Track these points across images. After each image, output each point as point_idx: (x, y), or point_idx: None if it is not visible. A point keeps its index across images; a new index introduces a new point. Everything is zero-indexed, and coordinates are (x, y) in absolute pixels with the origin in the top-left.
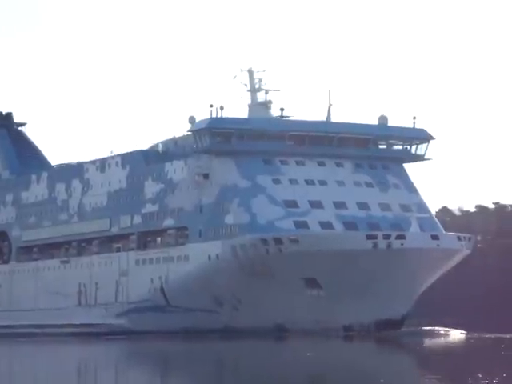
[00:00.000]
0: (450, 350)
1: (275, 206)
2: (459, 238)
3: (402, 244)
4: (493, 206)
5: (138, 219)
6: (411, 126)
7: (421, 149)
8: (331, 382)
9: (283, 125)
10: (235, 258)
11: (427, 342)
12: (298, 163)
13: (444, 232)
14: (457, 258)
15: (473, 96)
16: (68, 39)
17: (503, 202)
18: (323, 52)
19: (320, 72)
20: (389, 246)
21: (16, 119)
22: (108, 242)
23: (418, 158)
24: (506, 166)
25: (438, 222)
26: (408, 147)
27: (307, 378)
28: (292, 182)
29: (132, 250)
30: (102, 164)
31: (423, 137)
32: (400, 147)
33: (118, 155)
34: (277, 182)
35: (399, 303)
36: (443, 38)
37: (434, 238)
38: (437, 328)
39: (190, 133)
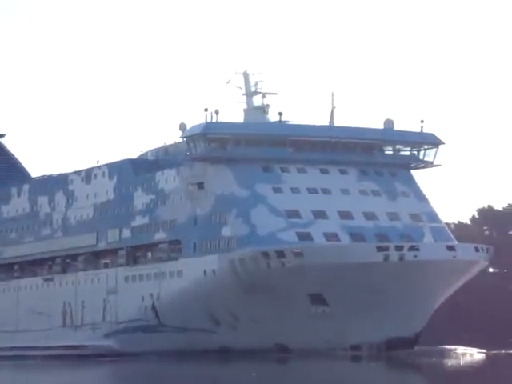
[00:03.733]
0: (477, 372)
1: (276, 217)
2: (477, 249)
3: (415, 256)
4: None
5: (127, 233)
6: (419, 131)
7: (429, 154)
8: None
9: (283, 129)
10: (233, 273)
11: (446, 362)
12: (299, 170)
13: (458, 243)
14: (474, 271)
15: (484, 98)
16: (50, 42)
17: None
18: (324, 52)
19: (321, 74)
20: (401, 258)
21: None
22: (95, 258)
23: (427, 164)
24: None
25: (450, 232)
26: (416, 153)
27: None
28: (294, 190)
29: (121, 265)
30: (88, 175)
31: (432, 141)
32: (407, 153)
33: (105, 165)
34: (277, 190)
35: (412, 320)
36: (451, 39)
37: (450, 249)
38: (453, 347)
39: (181, 140)
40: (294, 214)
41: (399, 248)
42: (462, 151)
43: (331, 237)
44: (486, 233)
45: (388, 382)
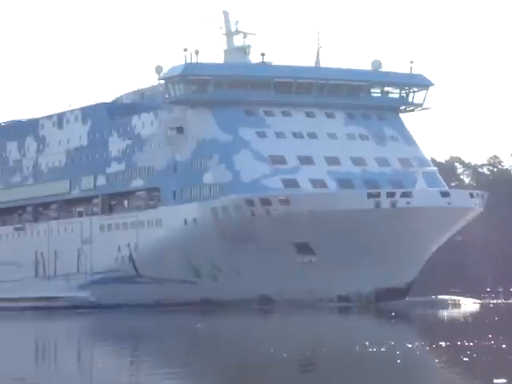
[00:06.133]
0: (471, 322)
1: (261, 163)
2: (471, 195)
3: (408, 202)
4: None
5: (101, 180)
6: (408, 72)
7: (419, 96)
8: (319, 363)
9: (267, 71)
10: (215, 221)
11: (439, 313)
12: (284, 114)
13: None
14: (469, 218)
15: (474, 39)
16: None
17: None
18: None
19: (305, 12)
20: (393, 204)
21: None
22: (68, 207)
23: (416, 106)
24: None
25: (441, 178)
26: (405, 95)
27: (289, 355)
28: (278, 135)
29: (96, 214)
30: (60, 119)
31: (421, 83)
32: (396, 95)
33: (78, 109)
34: (261, 135)
35: (404, 270)
36: None
37: (444, 195)
38: (445, 297)
39: (159, 82)
40: (278, 159)
41: (391, 194)
42: (454, 94)
43: (318, 183)
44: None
45: (379, 335)
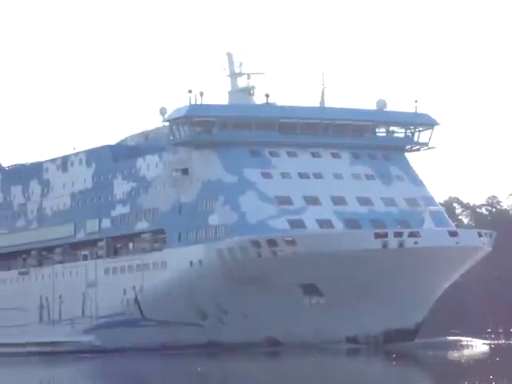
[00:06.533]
0: (487, 364)
1: (266, 204)
2: (480, 234)
3: (416, 242)
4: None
5: (106, 223)
6: (413, 111)
7: (424, 136)
8: None
9: (272, 111)
10: (221, 263)
11: (451, 355)
12: (289, 154)
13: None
14: (477, 257)
15: (479, 79)
16: (24, 25)
17: None
18: (312, 30)
19: (309, 53)
20: (401, 245)
21: None
22: (73, 250)
23: (422, 145)
24: None
25: (447, 217)
26: (410, 134)
27: None
28: (284, 175)
29: (101, 257)
30: (64, 162)
31: (426, 122)
32: (401, 135)
33: (82, 152)
34: (267, 175)
35: (413, 310)
36: (444, 16)
37: (453, 234)
38: (455, 338)
39: (163, 124)
40: (284, 200)
41: (398, 234)
42: (459, 133)
43: (325, 224)
44: None
45: (389, 378)
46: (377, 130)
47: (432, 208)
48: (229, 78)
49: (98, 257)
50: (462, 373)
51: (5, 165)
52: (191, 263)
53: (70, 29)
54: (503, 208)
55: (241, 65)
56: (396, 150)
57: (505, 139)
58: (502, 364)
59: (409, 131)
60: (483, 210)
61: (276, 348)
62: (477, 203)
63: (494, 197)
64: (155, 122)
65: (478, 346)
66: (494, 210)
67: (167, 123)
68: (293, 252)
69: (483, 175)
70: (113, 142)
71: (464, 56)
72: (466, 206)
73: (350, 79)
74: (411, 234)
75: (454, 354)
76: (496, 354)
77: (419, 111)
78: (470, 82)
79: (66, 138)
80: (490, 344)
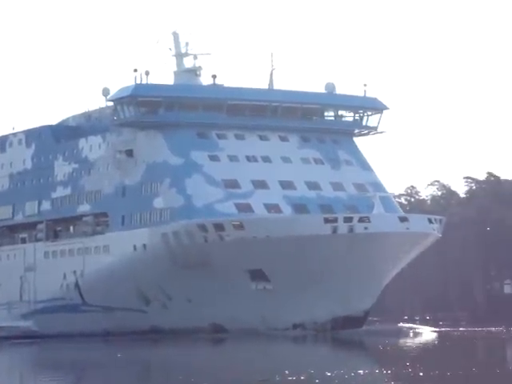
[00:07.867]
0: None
1: (213, 187)
2: (430, 220)
3: (366, 228)
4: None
5: (46, 205)
6: (362, 95)
7: (373, 120)
8: None
9: (220, 93)
10: (166, 247)
11: (401, 342)
12: (237, 137)
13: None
14: (427, 243)
15: (429, 62)
16: None
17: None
18: (261, 10)
19: (258, 34)
20: (351, 230)
21: None
22: (10, 232)
23: (370, 130)
24: (471, 140)
25: (396, 203)
26: (359, 118)
27: None
28: (231, 158)
29: (40, 240)
30: (2, 142)
31: (375, 106)
32: (350, 119)
33: (22, 132)
34: (214, 158)
35: (362, 297)
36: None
37: (403, 220)
38: (403, 325)
39: (106, 105)
40: (232, 183)
41: (348, 219)
42: (408, 118)
43: (272, 208)
44: None
45: (335, 365)
46: (325, 114)
47: (381, 194)
48: (175, 58)
49: (37, 240)
50: (414, 358)
51: None
52: (135, 247)
53: (12, 5)
54: (421, 198)
55: (187, 45)
56: (345, 134)
57: (425, 131)
58: (449, 349)
59: (357, 115)
60: (402, 200)
61: (221, 335)
62: (396, 193)
63: (413, 187)
64: (98, 102)
65: (426, 334)
66: (412, 199)
67: (111, 103)
68: (240, 237)
69: (405, 165)
70: (54, 122)
71: (413, 40)
72: None
73: (299, 61)
74: (361, 220)
75: (405, 341)
76: (445, 341)
77: (368, 95)
78: (419, 67)
79: (5, 118)
80: (437, 331)
